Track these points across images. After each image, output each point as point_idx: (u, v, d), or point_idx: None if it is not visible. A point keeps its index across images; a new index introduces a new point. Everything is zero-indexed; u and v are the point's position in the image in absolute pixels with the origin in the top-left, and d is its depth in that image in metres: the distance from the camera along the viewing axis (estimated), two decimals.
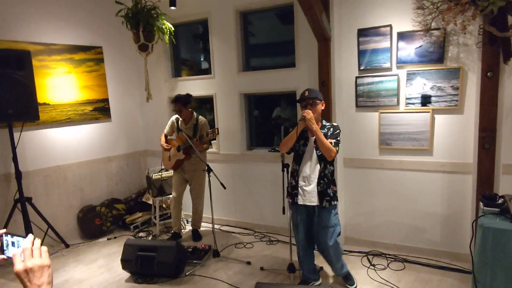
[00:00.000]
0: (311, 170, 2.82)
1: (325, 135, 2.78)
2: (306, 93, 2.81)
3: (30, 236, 1.00)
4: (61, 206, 4.31)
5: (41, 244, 1.00)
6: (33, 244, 0.98)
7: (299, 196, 2.86)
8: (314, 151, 2.81)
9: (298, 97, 2.97)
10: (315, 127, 2.71)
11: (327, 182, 2.80)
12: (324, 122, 2.90)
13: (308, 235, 2.97)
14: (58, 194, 4.27)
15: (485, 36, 2.81)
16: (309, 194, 2.81)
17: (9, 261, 1.02)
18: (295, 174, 2.89)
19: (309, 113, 2.71)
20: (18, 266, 0.94)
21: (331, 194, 2.82)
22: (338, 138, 2.79)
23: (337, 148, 2.73)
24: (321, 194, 2.78)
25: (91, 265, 3.72)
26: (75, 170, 4.43)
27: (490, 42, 2.78)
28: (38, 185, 4.08)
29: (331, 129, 2.83)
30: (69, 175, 4.37)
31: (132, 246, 3.38)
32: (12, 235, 1.06)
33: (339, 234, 2.91)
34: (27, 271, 0.93)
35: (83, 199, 4.53)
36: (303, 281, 3.07)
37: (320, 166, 2.80)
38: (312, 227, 2.93)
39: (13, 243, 1.06)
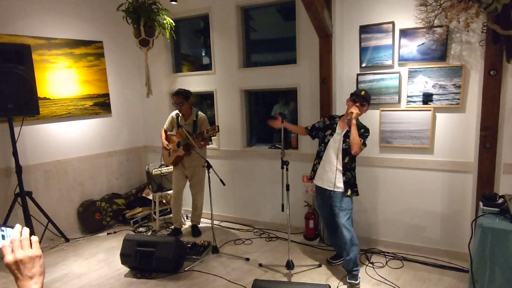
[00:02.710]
0: (336, 160, 3.04)
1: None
2: (363, 93, 3.01)
3: (18, 226, 0.97)
4: (61, 201, 4.32)
5: (31, 235, 0.97)
6: (21, 235, 0.95)
7: (317, 178, 3.18)
8: (341, 144, 3.02)
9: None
10: (355, 122, 2.91)
11: (352, 175, 3.06)
12: (357, 123, 3.02)
13: (331, 215, 3.17)
14: (58, 189, 4.28)
15: (489, 34, 2.79)
16: (331, 181, 3.05)
17: (1, 253, 1.00)
18: (317, 157, 3.20)
19: (356, 110, 2.94)
20: (8, 257, 0.92)
21: (353, 183, 3.07)
22: (365, 141, 2.98)
23: (363, 147, 2.95)
24: (346, 183, 3.02)
25: (91, 259, 3.74)
26: (75, 165, 4.44)
27: (494, 40, 2.75)
28: (39, 179, 4.10)
29: (362, 130, 2.99)
30: (69, 169, 4.38)
31: (131, 241, 3.39)
32: (1, 226, 1.03)
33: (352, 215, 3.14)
34: (17, 263, 0.92)
35: (84, 193, 4.54)
36: (336, 256, 3.43)
37: (343, 159, 3.02)
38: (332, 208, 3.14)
39: (3, 236, 1.03)
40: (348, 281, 3.03)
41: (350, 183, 3.04)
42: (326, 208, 3.23)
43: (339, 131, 3.06)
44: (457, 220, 3.35)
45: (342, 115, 3.12)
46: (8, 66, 3.33)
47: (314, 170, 3.24)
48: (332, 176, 3.05)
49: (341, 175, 3.02)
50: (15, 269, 0.92)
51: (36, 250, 0.95)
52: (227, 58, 4.37)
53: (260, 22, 4.48)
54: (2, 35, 3.71)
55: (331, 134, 3.09)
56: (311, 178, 3.28)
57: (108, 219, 4.54)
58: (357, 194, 3.11)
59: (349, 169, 3.04)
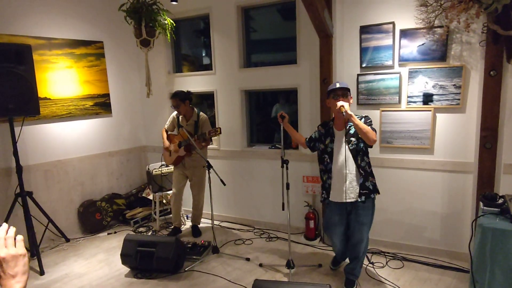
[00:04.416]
0: (346, 166, 2.76)
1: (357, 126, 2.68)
2: (337, 85, 2.78)
3: (4, 225, 0.97)
4: (61, 201, 4.32)
5: (16, 234, 0.97)
6: (6, 233, 0.95)
7: (331, 193, 2.85)
8: (345, 145, 2.75)
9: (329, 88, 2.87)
10: (351, 112, 2.63)
11: (364, 176, 2.76)
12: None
13: (345, 235, 2.96)
14: (58, 189, 4.29)
15: (489, 35, 2.79)
16: (346, 191, 2.76)
17: None
18: (325, 172, 2.89)
19: (345, 105, 2.67)
20: None
21: (371, 187, 2.78)
22: (372, 125, 2.72)
23: (375, 133, 2.68)
24: (362, 188, 2.75)
25: (91, 259, 3.74)
26: (75, 165, 4.44)
27: (494, 41, 2.75)
28: (39, 179, 4.10)
29: (363, 119, 2.73)
30: (69, 169, 4.38)
31: (131, 241, 3.39)
32: None
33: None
34: (0, 261, 0.91)
35: (84, 193, 4.54)
36: (335, 261, 3.24)
37: (355, 160, 2.76)
38: (348, 224, 2.89)
39: None
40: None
41: (370, 188, 2.76)
42: (342, 225, 2.90)
43: (338, 134, 2.83)
44: (457, 220, 3.36)
45: (333, 118, 2.92)
46: (8, 66, 3.33)
47: (326, 188, 2.88)
48: (354, 185, 2.74)
49: (363, 179, 2.74)
50: None
51: (20, 249, 0.95)
52: (227, 58, 4.38)
53: (260, 22, 4.49)
54: (2, 35, 3.71)
55: (332, 141, 2.84)
56: (325, 199, 2.91)
57: (108, 219, 4.54)
58: (378, 193, 2.85)
59: (368, 172, 2.78)
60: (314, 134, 3.03)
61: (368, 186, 2.78)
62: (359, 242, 2.87)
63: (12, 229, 0.97)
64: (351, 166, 2.76)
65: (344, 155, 2.76)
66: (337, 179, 2.81)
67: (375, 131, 2.69)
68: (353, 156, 2.76)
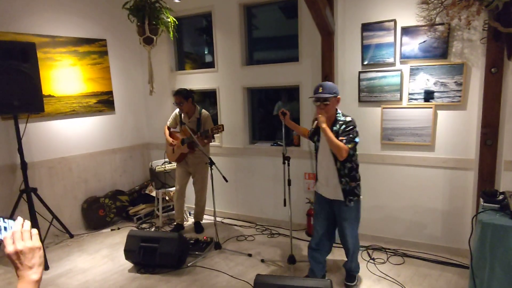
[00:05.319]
0: (328, 168, 2.76)
1: (337, 132, 2.65)
2: (320, 89, 2.65)
3: (20, 219, 1.00)
4: (65, 197, 4.37)
5: (31, 228, 1.00)
6: (22, 227, 0.99)
7: (317, 184, 2.92)
8: (328, 148, 2.70)
9: (312, 92, 2.82)
10: (324, 126, 2.61)
11: (343, 179, 2.72)
12: (338, 117, 2.71)
13: (327, 226, 2.94)
14: (62, 185, 4.33)
15: (490, 32, 2.80)
16: (329, 190, 2.80)
17: (2, 244, 1.03)
18: (316, 166, 2.93)
19: (321, 117, 2.63)
20: (9, 248, 0.95)
21: (349, 191, 2.73)
22: (351, 135, 2.61)
23: (350, 146, 2.58)
24: (344, 192, 2.73)
25: (95, 255, 3.78)
26: (79, 162, 4.49)
27: (495, 38, 2.76)
28: (43, 176, 4.14)
29: (343, 126, 2.64)
30: (73, 166, 4.43)
31: (135, 237, 3.43)
32: (4, 219, 1.07)
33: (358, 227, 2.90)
34: (17, 253, 0.95)
35: (87, 190, 4.59)
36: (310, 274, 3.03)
37: (335, 163, 2.71)
38: (334, 218, 2.90)
39: (5, 228, 1.07)
40: (346, 282, 3.01)
41: (347, 190, 2.73)
42: (324, 215, 2.92)
43: (323, 134, 2.73)
44: (458, 217, 3.37)
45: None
46: (13, 64, 3.36)
47: (316, 178, 2.97)
48: (332, 185, 2.76)
49: (342, 183, 2.72)
50: (16, 259, 0.95)
51: (36, 241, 0.99)
52: (229, 56, 4.40)
53: (262, 20, 4.50)
54: (7, 33, 3.75)
55: (318, 140, 2.84)
56: (316, 192, 2.98)
57: (111, 216, 4.59)
58: (356, 202, 2.77)
59: (348, 176, 2.72)
60: (312, 128, 3.05)
61: (347, 189, 2.72)
62: (344, 236, 2.87)
63: (27, 223, 1.01)
64: (332, 168, 2.74)
65: (326, 156, 2.76)
66: (320, 175, 2.87)
67: (353, 142, 2.60)
68: (333, 159, 2.71)
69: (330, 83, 2.77)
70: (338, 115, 2.73)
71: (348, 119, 2.68)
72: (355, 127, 2.65)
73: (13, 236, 0.97)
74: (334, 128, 2.68)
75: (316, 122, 2.71)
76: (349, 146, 2.58)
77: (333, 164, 2.73)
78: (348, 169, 2.72)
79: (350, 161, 2.71)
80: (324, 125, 2.61)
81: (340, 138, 2.61)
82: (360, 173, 2.79)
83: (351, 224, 2.82)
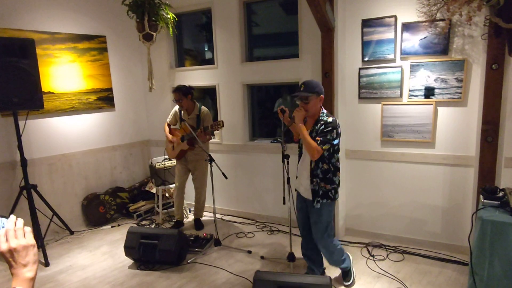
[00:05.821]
0: (303, 166, 2.77)
1: (317, 131, 2.60)
2: (302, 87, 2.62)
3: (12, 217, 1.00)
4: (65, 194, 4.37)
5: (24, 225, 1.00)
6: (15, 225, 0.98)
7: (297, 184, 2.91)
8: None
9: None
10: (300, 125, 2.58)
11: (318, 182, 2.65)
12: (321, 116, 2.64)
13: (308, 224, 2.89)
14: (63, 182, 4.34)
15: (491, 28, 2.78)
16: (302, 189, 2.81)
17: None
18: (297, 163, 2.91)
19: (297, 115, 2.60)
20: (2, 246, 0.95)
21: (320, 193, 2.66)
22: (328, 137, 2.53)
23: (324, 147, 2.52)
24: (313, 192, 2.68)
25: (95, 251, 3.79)
26: (79, 159, 4.49)
27: (496, 34, 2.75)
28: (43, 173, 4.15)
29: (322, 126, 2.57)
30: (73, 163, 4.43)
31: (135, 234, 3.44)
32: None
33: (330, 230, 2.78)
34: (11, 251, 0.94)
35: (88, 187, 4.59)
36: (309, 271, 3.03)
37: (310, 163, 2.66)
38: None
39: None
40: (344, 282, 3.00)
41: (316, 191, 2.65)
42: (303, 212, 2.89)
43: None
44: (458, 214, 3.37)
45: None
46: (12, 60, 3.36)
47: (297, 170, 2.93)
48: (305, 184, 2.74)
49: (313, 183, 2.66)
50: (10, 257, 0.95)
51: (30, 239, 0.98)
52: (229, 52, 4.38)
53: (262, 16, 4.48)
54: (6, 30, 3.74)
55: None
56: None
57: (111, 212, 4.60)
58: (325, 206, 2.67)
59: (321, 178, 2.64)
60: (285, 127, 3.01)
61: (317, 191, 2.66)
62: (316, 242, 2.81)
63: (20, 221, 1.00)
64: (306, 167, 2.71)
65: (305, 155, 2.73)
66: (298, 173, 2.87)
67: (329, 143, 2.53)
68: (309, 159, 2.65)
69: (314, 81, 2.70)
70: (321, 114, 2.65)
71: (330, 119, 2.59)
72: (335, 128, 2.56)
73: (6, 234, 0.96)
74: (316, 127, 2.63)
75: (293, 119, 2.68)
76: (323, 147, 2.53)
77: (308, 163, 2.70)
78: (323, 171, 2.64)
79: (327, 163, 2.64)
80: (300, 124, 2.58)
81: (317, 138, 2.56)
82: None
83: (320, 230, 2.71)
